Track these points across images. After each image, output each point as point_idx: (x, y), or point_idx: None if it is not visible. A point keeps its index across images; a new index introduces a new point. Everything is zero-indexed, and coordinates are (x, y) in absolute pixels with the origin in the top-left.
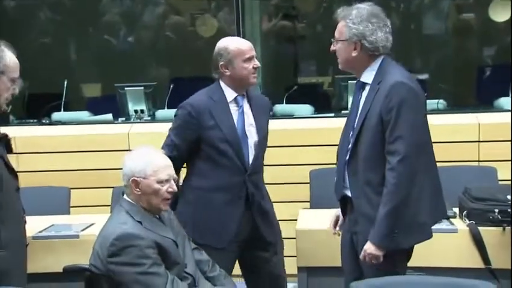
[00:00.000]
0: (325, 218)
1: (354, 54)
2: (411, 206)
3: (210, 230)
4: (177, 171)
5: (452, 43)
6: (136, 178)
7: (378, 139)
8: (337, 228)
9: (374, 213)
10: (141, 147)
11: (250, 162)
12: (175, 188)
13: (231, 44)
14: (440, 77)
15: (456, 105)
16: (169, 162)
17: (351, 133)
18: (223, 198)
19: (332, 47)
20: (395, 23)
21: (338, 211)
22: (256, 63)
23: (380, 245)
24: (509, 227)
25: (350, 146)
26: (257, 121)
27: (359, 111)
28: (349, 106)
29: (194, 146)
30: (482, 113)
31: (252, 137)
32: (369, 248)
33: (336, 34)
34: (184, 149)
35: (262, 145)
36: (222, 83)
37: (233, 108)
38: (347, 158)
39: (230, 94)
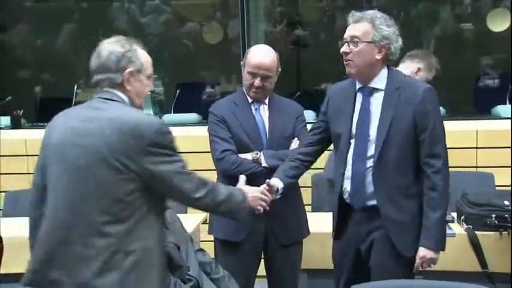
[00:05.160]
0: (326, 221)
1: (378, 57)
2: None
3: (227, 224)
4: None
5: (451, 52)
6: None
7: (410, 143)
8: None
9: (401, 218)
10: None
11: None
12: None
13: (252, 51)
14: (439, 85)
15: (455, 113)
16: None
17: (375, 139)
18: None
19: (346, 49)
20: None
21: None
22: (257, 82)
23: (437, 249)
24: (507, 232)
25: (375, 152)
26: (273, 123)
27: (378, 117)
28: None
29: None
30: (479, 120)
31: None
32: (427, 253)
33: (358, 34)
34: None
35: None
36: None
37: (253, 110)
38: (372, 164)
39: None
